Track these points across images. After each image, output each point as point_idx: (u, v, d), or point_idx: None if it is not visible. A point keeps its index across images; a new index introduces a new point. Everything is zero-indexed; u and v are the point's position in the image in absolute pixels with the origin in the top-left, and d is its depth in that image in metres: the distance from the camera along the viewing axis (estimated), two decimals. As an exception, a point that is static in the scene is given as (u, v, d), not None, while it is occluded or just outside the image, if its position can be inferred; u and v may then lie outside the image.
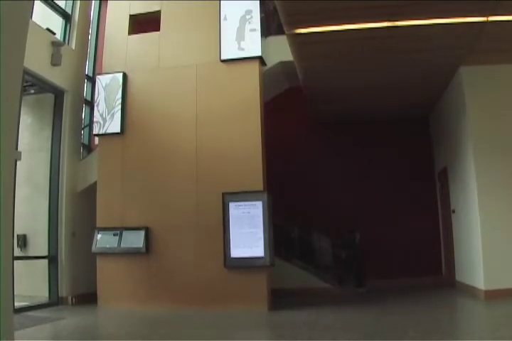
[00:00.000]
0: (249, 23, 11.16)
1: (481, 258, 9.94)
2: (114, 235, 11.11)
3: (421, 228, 13.77)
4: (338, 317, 9.07)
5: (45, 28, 11.25)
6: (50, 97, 12.13)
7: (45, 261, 11.40)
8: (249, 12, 11.20)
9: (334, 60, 10.39)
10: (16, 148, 4.91)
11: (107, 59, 12.27)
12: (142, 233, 10.89)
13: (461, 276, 11.81)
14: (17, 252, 10.83)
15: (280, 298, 10.65)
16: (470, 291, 10.66)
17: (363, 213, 13.86)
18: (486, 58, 10.19)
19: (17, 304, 8.78)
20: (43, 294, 11.25)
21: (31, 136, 11.98)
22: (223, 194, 10.54)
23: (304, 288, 11.99)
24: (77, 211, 11.90)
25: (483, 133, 10.42)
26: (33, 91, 11.95)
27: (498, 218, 10.04)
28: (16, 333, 4.89)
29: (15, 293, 4.86)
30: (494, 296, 9.52)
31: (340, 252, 13.60)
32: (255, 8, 11.22)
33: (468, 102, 10.62)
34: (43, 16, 11.62)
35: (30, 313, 9.91)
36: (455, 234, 12.34)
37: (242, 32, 11.19)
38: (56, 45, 11.37)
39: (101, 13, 13.86)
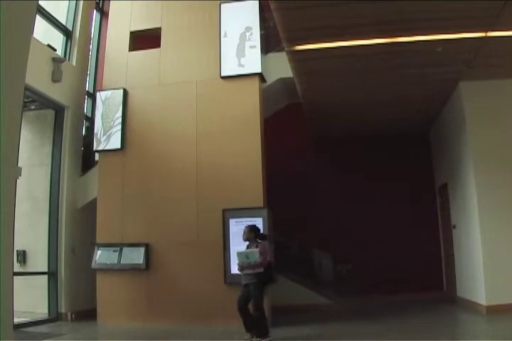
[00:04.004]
0: (249, 39, 11.23)
1: (483, 274, 9.92)
2: (114, 251, 11.08)
3: (422, 243, 13.74)
4: (339, 334, 9.01)
5: (46, 44, 11.31)
6: (50, 113, 12.17)
7: (45, 277, 11.37)
8: (248, 29, 11.26)
9: (334, 76, 10.43)
10: (17, 164, 4.91)
11: (107, 75, 12.32)
12: (142, 249, 10.86)
13: (462, 292, 11.76)
14: (17, 268, 10.77)
15: (281, 315, 10.59)
16: (472, 307, 10.62)
17: (363, 228, 13.85)
18: (486, 73, 10.24)
19: (16, 320, 8.74)
20: (42, 310, 11.20)
21: (32, 152, 11.98)
22: (223, 210, 10.53)
23: (305, 305, 11.91)
24: (77, 227, 11.87)
25: (483, 148, 10.44)
26: (33, 107, 11.99)
27: (499, 234, 10.02)
28: (16, 349, 4.86)
29: (14, 309, 4.83)
30: (496, 311, 9.48)
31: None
32: (255, 25, 11.29)
33: (468, 117, 10.66)
34: (44, 32, 11.69)
35: (29, 329, 9.86)
36: (456, 250, 12.31)
37: (242, 49, 11.24)
38: (57, 61, 11.43)
39: (102, 29, 13.95)
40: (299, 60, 9.59)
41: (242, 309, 8.17)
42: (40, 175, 11.89)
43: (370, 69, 10.01)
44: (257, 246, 8.33)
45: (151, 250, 10.90)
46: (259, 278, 8.13)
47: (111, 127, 11.72)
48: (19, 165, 5.40)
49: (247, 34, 11.27)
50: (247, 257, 8.15)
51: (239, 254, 8.24)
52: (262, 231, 8.91)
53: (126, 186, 11.41)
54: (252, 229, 8.68)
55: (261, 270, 8.12)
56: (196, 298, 10.41)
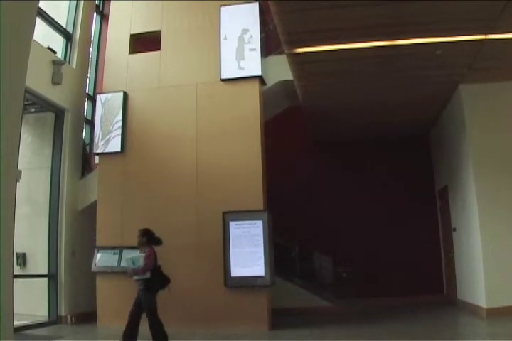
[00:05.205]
0: (249, 42, 11.23)
1: (483, 276, 9.92)
2: (114, 254, 11.06)
3: (422, 246, 13.73)
4: (339, 336, 9.00)
5: (46, 46, 11.31)
6: (50, 116, 12.17)
7: (45, 280, 11.37)
8: (248, 31, 11.25)
9: (334, 79, 10.42)
10: (17, 167, 4.91)
11: (107, 78, 12.32)
12: (142, 252, 10.86)
13: (462, 294, 11.75)
14: (16, 271, 10.78)
15: (281, 317, 10.58)
16: (472, 309, 10.60)
17: (363, 230, 13.83)
18: (485, 76, 10.24)
19: (16, 323, 8.73)
20: (42, 313, 11.18)
21: (32, 155, 12.00)
22: (223, 213, 10.53)
23: (305, 307, 11.90)
24: (77, 230, 11.87)
25: (483, 151, 10.44)
26: (33, 109, 11.99)
27: (499, 236, 10.02)
28: (15, 352, 4.85)
29: (14, 312, 4.82)
30: (496, 314, 9.47)
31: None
32: (255, 27, 11.30)
33: (468, 120, 10.66)
34: (44, 35, 11.70)
35: (29, 332, 9.85)
36: (456, 252, 12.30)
37: (241, 51, 11.25)
38: (57, 63, 11.43)
39: (102, 32, 13.95)
40: (298, 62, 9.59)
41: (132, 315, 8.08)
42: (40, 178, 11.90)
43: (370, 72, 10.02)
44: (145, 252, 8.19)
45: (151, 253, 10.89)
46: (146, 285, 8.03)
47: (110, 131, 11.71)
48: (19, 168, 5.39)
49: (247, 37, 11.28)
50: (133, 262, 8.06)
51: (126, 260, 8.15)
52: (156, 235, 8.61)
53: (126, 189, 11.41)
54: (145, 233, 8.46)
55: (147, 276, 8.02)
56: (196, 301, 10.40)
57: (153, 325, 8.03)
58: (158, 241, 8.52)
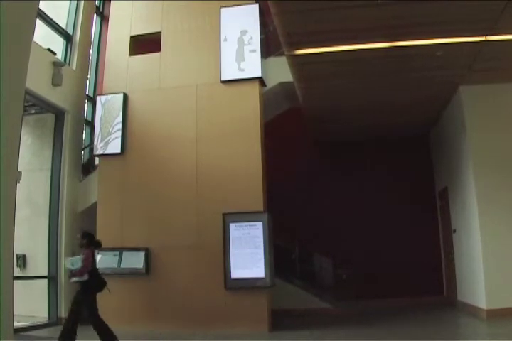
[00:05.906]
0: (249, 44, 11.22)
1: (483, 278, 9.91)
2: (114, 256, 11.05)
3: (422, 247, 13.72)
4: (339, 336, 9.00)
5: (46, 48, 11.31)
6: (50, 117, 12.16)
7: (45, 281, 11.36)
8: (245, 32, 11.24)
9: (334, 81, 10.41)
10: (17, 168, 4.91)
11: (107, 79, 12.31)
12: (142, 254, 10.83)
13: (462, 296, 11.74)
14: (16, 272, 10.74)
15: (280, 319, 10.58)
16: (472, 311, 10.59)
17: (363, 232, 13.82)
18: (485, 77, 10.24)
19: (16, 324, 8.73)
20: (42, 314, 11.17)
21: (32, 156, 11.98)
22: (223, 214, 10.51)
23: (305, 309, 11.91)
24: (77, 231, 11.83)
25: (483, 152, 10.44)
26: (33, 111, 11.98)
27: (499, 237, 10.01)
28: (16, 354, 4.84)
29: (14, 313, 4.82)
30: (496, 315, 9.46)
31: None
32: (255, 29, 11.28)
33: (468, 121, 10.66)
34: (44, 37, 11.69)
35: (29, 333, 9.83)
36: (456, 254, 12.29)
37: (241, 53, 11.24)
38: (57, 65, 11.44)
39: (102, 34, 13.96)
40: (298, 64, 9.59)
41: (72, 314, 8.09)
42: (40, 180, 11.88)
43: (371, 74, 10.02)
44: (84, 254, 8.23)
45: (151, 254, 10.88)
46: (84, 287, 8.09)
47: (109, 133, 11.69)
48: (19, 169, 5.39)
49: (247, 38, 11.27)
50: (72, 264, 8.08)
51: (66, 261, 8.20)
52: (96, 238, 8.78)
53: (126, 190, 11.40)
54: (85, 236, 8.56)
55: (85, 278, 8.05)
56: (197, 303, 10.39)
57: (96, 327, 8.08)
58: (97, 244, 8.70)
